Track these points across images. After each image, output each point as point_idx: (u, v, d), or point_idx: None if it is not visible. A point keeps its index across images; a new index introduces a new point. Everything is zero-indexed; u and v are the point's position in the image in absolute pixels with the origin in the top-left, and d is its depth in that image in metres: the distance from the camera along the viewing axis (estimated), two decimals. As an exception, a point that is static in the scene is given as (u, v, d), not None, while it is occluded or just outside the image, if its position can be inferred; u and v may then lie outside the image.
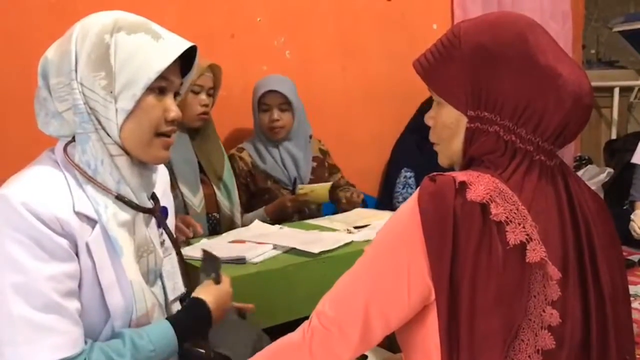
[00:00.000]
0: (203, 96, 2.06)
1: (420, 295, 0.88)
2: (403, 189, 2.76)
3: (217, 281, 1.20)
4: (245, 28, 2.53)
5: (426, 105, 2.73)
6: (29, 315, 0.92)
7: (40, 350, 0.92)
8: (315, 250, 1.69)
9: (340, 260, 1.75)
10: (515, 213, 0.85)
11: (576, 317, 0.88)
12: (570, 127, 0.91)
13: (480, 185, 0.85)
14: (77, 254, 0.98)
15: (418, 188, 0.88)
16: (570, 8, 3.65)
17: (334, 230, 2.00)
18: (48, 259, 0.94)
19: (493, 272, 0.83)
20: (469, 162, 0.95)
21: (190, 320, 1.10)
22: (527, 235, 0.84)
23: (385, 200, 2.86)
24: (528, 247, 0.84)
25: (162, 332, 1.05)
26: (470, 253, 0.83)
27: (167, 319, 1.08)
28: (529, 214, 0.86)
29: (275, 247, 1.76)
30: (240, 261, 1.63)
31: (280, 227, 2.02)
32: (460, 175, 0.87)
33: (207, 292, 1.16)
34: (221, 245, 1.83)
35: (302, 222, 2.17)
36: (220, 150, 2.23)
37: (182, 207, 2.02)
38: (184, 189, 2.03)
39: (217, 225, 2.14)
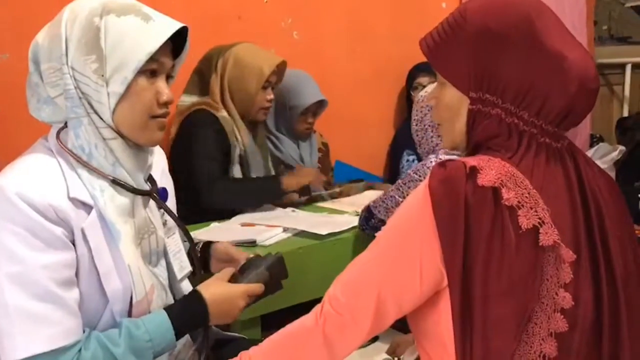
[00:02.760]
0: (270, 91, 2.15)
1: (433, 280, 0.88)
2: None
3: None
4: (253, 9, 2.50)
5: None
6: (26, 305, 0.91)
7: (36, 340, 0.92)
8: (323, 232, 1.71)
9: (350, 242, 1.77)
10: (526, 197, 0.84)
11: (588, 299, 0.88)
12: (575, 111, 0.90)
13: (492, 170, 0.85)
14: (73, 242, 0.97)
15: (428, 174, 0.88)
16: (582, -16, 3.59)
17: (342, 212, 2.01)
18: (44, 248, 0.93)
19: (506, 256, 0.83)
20: (475, 148, 0.94)
21: (187, 313, 1.07)
22: (539, 219, 0.84)
23: (392, 181, 2.85)
24: (541, 231, 0.84)
25: (159, 322, 1.03)
26: (482, 238, 0.83)
27: (164, 309, 1.06)
28: (540, 198, 0.85)
29: (285, 229, 1.78)
30: (251, 244, 1.65)
31: (293, 210, 2.04)
32: (471, 160, 0.87)
33: (207, 288, 1.10)
34: (232, 228, 1.84)
35: (312, 205, 2.19)
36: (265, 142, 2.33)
37: None
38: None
39: None
